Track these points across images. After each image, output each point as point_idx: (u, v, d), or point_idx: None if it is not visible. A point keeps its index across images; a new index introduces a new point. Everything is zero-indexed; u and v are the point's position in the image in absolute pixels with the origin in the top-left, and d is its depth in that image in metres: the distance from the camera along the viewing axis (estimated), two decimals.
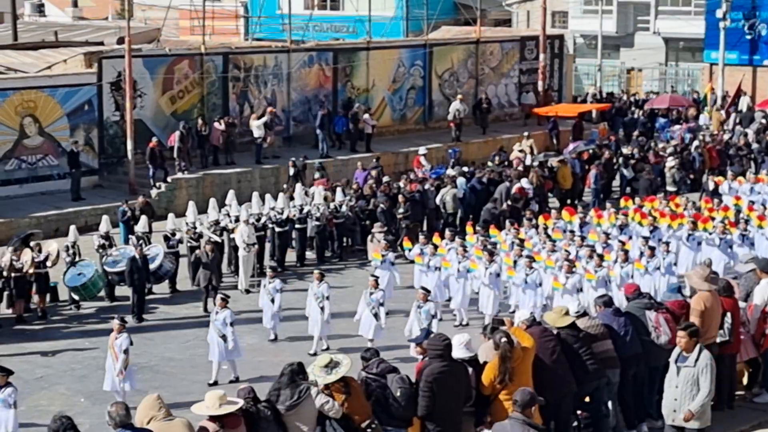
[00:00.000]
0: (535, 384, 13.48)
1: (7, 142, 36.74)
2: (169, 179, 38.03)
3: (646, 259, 26.06)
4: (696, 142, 43.13)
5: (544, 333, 14.17)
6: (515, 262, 25.91)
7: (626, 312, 15.48)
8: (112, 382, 21.06)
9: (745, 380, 17.39)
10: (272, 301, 24.77)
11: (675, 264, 26.94)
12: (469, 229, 30.06)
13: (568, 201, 38.83)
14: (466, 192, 35.47)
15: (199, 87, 41.36)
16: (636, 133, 45.98)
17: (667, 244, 27.02)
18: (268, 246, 31.21)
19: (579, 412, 14.81)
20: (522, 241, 27.67)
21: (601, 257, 25.31)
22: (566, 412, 14.31)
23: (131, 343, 21.04)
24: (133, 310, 26.61)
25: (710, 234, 28.47)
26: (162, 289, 28.87)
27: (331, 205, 32.49)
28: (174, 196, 37.56)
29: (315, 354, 23.21)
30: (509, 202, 34.09)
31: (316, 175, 37.03)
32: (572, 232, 28.86)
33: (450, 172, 37.34)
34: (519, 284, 25.31)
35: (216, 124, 39.80)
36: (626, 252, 25.99)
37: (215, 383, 21.83)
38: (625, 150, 42.45)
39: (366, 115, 43.56)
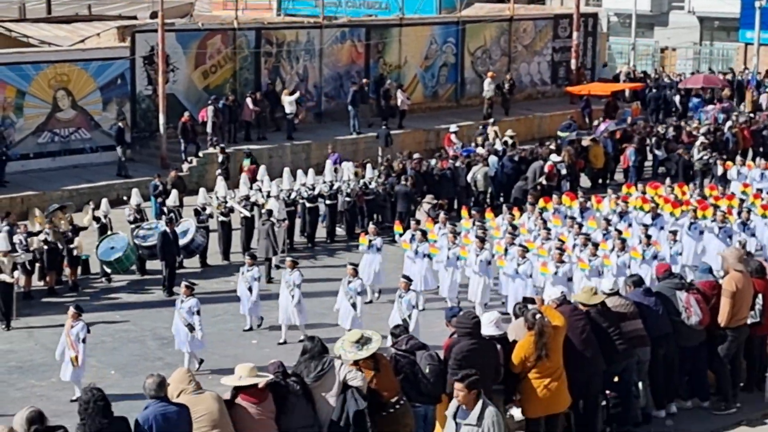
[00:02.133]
0: (564, 363, 13.49)
1: (40, 115, 36.90)
2: (200, 154, 38.12)
3: (642, 248, 25.39)
4: (729, 123, 42.83)
5: (574, 312, 14.15)
6: (506, 250, 25.25)
7: (657, 292, 15.41)
8: (69, 371, 20.49)
9: None
10: (250, 290, 24.15)
11: (680, 254, 26.28)
12: (464, 213, 29.61)
13: (600, 180, 38.78)
14: (497, 170, 35.41)
15: (231, 62, 41.40)
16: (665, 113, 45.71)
17: (674, 233, 26.52)
18: (298, 221, 31.26)
19: (608, 391, 14.79)
20: (515, 227, 27.07)
21: (596, 246, 24.81)
22: (595, 391, 14.29)
23: (88, 332, 20.67)
24: (164, 284, 26.75)
25: (711, 222, 27.77)
26: (193, 263, 28.97)
27: (361, 182, 32.49)
28: (205, 170, 37.64)
29: (284, 342, 23.18)
30: (542, 181, 34.01)
31: (245, 162, 35.80)
32: (572, 218, 28.16)
33: (480, 150, 37.26)
34: (510, 274, 24.62)
35: (248, 100, 39.84)
36: (623, 241, 25.35)
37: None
38: (660, 129, 42.24)
39: (400, 92, 43.48)
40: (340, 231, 31.95)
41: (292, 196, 30.93)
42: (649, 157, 40.28)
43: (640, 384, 15.03)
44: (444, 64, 47.87)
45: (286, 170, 32.43)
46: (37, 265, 27.19)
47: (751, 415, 15.34)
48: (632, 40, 62.22)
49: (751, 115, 46.15)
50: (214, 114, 38.33)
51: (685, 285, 15.63)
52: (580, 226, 26.99)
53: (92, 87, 38.04)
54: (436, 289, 25.88)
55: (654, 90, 50.89)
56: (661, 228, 27.61)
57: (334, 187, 31.67)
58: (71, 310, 20.79)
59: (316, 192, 31.37)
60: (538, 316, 13.26)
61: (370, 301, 25.67)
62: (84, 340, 20.44)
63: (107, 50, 38.84)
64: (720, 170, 35.68)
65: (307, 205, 31.10)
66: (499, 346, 13.30)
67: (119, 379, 21.32)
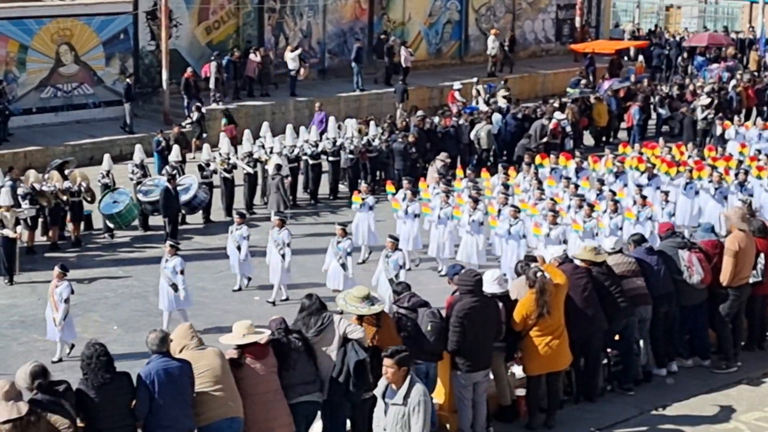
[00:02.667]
0: (566, 321, 13.53)
1: (42, 70, 36.79)
2: (203, 110, 38.01)
3: (637, 208, 25.17)
4: (733, 81, 42.69)
5: (575, 270, 14.18)
6: (500, 211, 24.83)
7: (659, 250, 15.43)
8: (53, 331, 20.36)
9: None
10: (239, 248, 23.68)
11: (673, 214, 25.93)
12: (459, 172, 29.29)
13: (603, 138, 38.71)
14: (500, 128, 35.35)
15: (234, 18, 41.24)
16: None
17: (666, 193, 26.25)
18: (301, 178, 31.24)
19: (609, 349, 14.84)
20: (507, 187, 26.65)
21: (591, 207, 24.42)
22: (596, 349, 14.35)
23: (72, 292, 20.50)
24: (165, 240, 26.71)
25: (708, 182, 27.43)
26: (196, 219, 28.99)
27: (365, 139, 32.44)
28: (208, 127, 37.56)
29: (274, 303, 22.83)
30: (545, 141, 33.97)
31: (223, 121, 35.44)
32: (567, 178, 27.63)
33: (483, 107, 37.18)
34: (502, 235, 24.16)
35: (251, 56, 39.71)
36: (616, 202, 24.92)
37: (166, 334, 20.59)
38: (664, 88, 42.14)
39: (403, 48, 43.34)
40: (342, 188, 31.92)
41: (295, 153, 30.89)
42: (654, 115, 40.21)
43: (641, 342, 15.08)
44: (448, 21, 47.66)
45: (289, 127, 32.35)
46: (40, 220, 27.19)
47: (752, 374, 15.40)
48: None
49: (756, 73, 46.00)
50: (217, 70, 38.22)
51: (687, 244, 15.64)
52: (576, 186, 26.69)
53: (95, 42, 37.90)
54: (426, 249, 25.41)
55: (656, 48, 50.73)
56: (657, 188, 27.30)
57: (337, 144, 31.62)
58: (56, 269, 20.61)
59: (319, 149, 31.32)
60: (539, 274, 13.29)
61: (363, 261, 25.39)
62: (66, 300, 20.21)
63: (110, 5, 38.60)
64: (719, 130, 35.43)
65: (310, 161, 31.07)
66: (500, 304, 13.33)
67: (122, 334, 21.36)
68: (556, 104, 37.48)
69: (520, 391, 14.01)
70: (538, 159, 30.05)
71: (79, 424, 10.35)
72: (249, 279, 24.27)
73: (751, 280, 15.78)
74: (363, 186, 27.20)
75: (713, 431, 13.80)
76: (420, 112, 35.24)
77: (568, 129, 35.56)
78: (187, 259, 23.74)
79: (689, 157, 30.35)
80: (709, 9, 63.63)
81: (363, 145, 32.12)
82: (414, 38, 46.29)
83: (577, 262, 14.52)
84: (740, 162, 29.64)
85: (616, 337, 14.79)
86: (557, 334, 13.44)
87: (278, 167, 28.87)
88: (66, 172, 27.97)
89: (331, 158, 31.29)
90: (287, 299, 22.93)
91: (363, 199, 26.07)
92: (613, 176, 28.63)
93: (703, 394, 14.83)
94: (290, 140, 31.25)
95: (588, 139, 38.25)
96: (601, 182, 27.29)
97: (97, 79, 37.90)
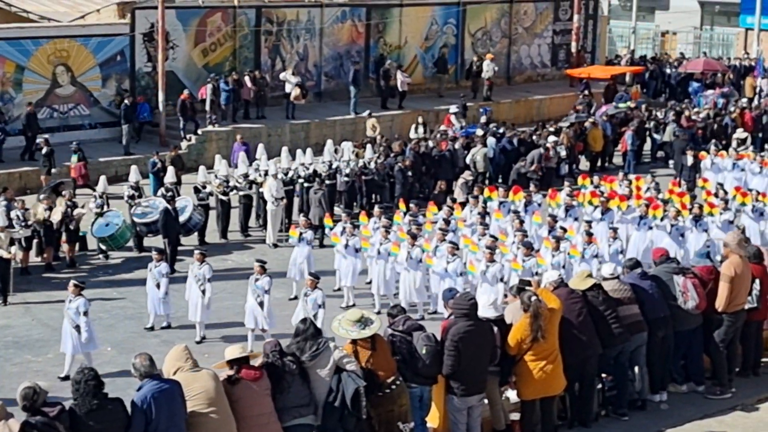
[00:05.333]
0: (560, 345, 13.52)
1: (39, 91, 36.83)
2: (199, 131, 38.09)
3: (582, 246, 24.42)
4: (731, 107, 42.80)
5: (570, 295, 14.16)
6: (436, 247, 23.94)
7: (653, 275, 15.43)
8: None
9: None
10: (158, 286, 22.76)
11: (622, 252, 25.08)
12: (401, 206, 28.51)
13: (599, 163, 38.80)
14: (496, 152, 35.44)
15: (231, 40, 41.31)
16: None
17: (615, 230, 25.61)
18: (296, 201, 31.26)
19: (603, 375, 14.82)
20: (448, 222, 25.71)
21: (529, 246, 23.57)
22: (591, 374, 14.33)
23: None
24: (166, 261, 26.57)
25: (661, 221, 26.62)
26: (190, 241, 28.97)
27: (361, 162, 32.49)
28: (204, 148, 37.62)
29: (201, 341, 22.12)
30: (540, 164, 34.10)
31: (73, 158, 33.43)
32: (516, 212, 27.04)
33: (479, 131, 37.30)
34: (439, 273, 23.41)
35: (246, 79, 39.75)
36: (557, 240, 24.12)
37: (66, 377, 19.49)
38: (659, 114, 42.23)
39: (400, 72, 43.42)
40: (338, 210, 31.92)
41: (290, 175, 30.90)
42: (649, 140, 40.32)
43: (636, 369, 15.05)
44: (444, 45, 47.76)
45: (285, 149, 32.41)
46: (35, 241, 27.17)
47: (746, 400, 15.37)
48: (633, 24, 62.13)
49: (750, 100, 46.09)
50: (213, 92, 38.27)
51: (682, 269, 15.64)
52: (521, 222, 26.07)
53: (92, 63, 37.96)
54: (368, 284, 24.86)
55: (656, 71, 50.98)
56: (611, 223, 26.68)
57: (333, 167, 31.65)
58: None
59: (310, 171, 31.31)
60: (533, 298, 13.28)
61: (296, 297, 24.04)
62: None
63: (107, 26, 38.71)
64: (690, 160, 34.67)
65: (305, 184, 31.09)
66: (495, 328, 13.32)
67: (115, 356, 21.33)
68: (552, 128, 37.63)
69: (515, 416, 13.97)
70: (486, 192, 29.46)
71: None
72: (169, 324, 23.32)
73: (746, 306, 15.78)
74: (302, 220, 26.30)
75: None
76: (414, 135, 35.39)
77: (563, 154, 35.66)
78: (181, 281, 23.74)
79: (647, 190, 29.73)
80: (705, 35, 63.82)
81: (359, 168, 32.16)
82: (410, 62, 46.37)
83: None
84: (694, 197, 29.19)
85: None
86: (552, 358, 13.43)
87: (321, 181, 29.30)
88: (63, 193, 28.00)
89: (327, 181, 31.23)
90: (202, 339, 22.24)
91: (301, 233, 25.25)
92: (563, 211, 27.85)
93: (698, 419, 14.80)
94: (285, 163, 31.28)
95: (584, 164, 38.35)
96: (553, 218, 26.65)
97: (93, 100, 37.94)
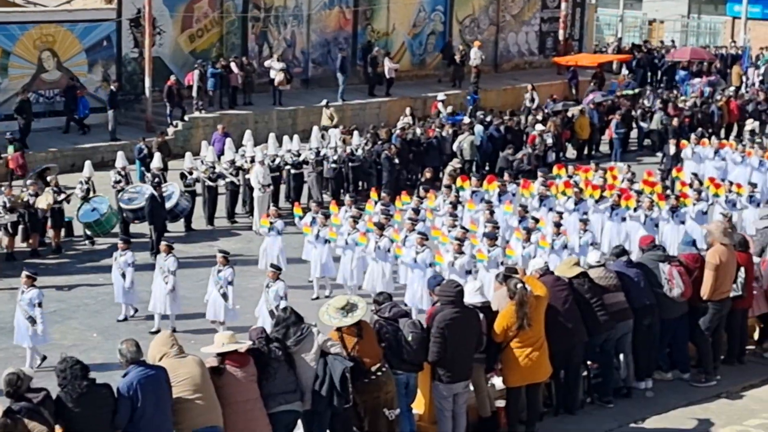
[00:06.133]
0: (546, 333, 13.54)
1: (25, 76, 36.70)
2: (186, 118, 38.02)
3: (551, 237, 24.02)
4: (717, 96, 42.88)
5: (557, 282, 14.18)
6: (405, 238, 23.51)
7: (639, 263, 15.46)
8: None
9: (756, 335, 17.40)
10: (123, 276, 22.61)
11: (592, 244, 24.42)
12: (373, 195, 27.95)
13: (586, 151, 38.84)
14: (483, 139, 35.44)
15: (218, 26, 41.23)
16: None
17: (585, 222, 25.11)
18: (283, 188, 31.23)
19: (589, 362, 14.85)
20: (418, 212, 25.30)
21: (493, 238, 23.02)
22: (576, 361, 14.35)
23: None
24: (151, 248, 26.59)
25: (634, 211, 26.38)
26: (177, 227, 28.92)
27: (348, 149, 32.45)
28: (191, 134, 37.55)
29: (157, 331, 21.04)
30: (529, 151, 34.16)
31: (9, 149, 32.48)
32: (488, 202, 26.44)
33: (466, 120, 37.30)
34: (408, 263, 22.90)
35: (233, 65, 39.65)
36: (528, 231, 23.86)
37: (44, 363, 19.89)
38: (646, 102, 42.31)
39: (387, 59, 43.38)
40: (325, 197, 31.92)
41: (276, 162, 30.87)
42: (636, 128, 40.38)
43: (621, 356, 15.09)
44: (432, 32, 47.72)
45: (272, 136, 32.38)
46: (21, 226, 27.09)
47: (731, 387, 15.42)
48: (620, 12, 62.14)
49: (737, 88, 46.18)
50: (199, 78, 38.18)
51: (668, 257, 15.67)
52: (492, 212, 25.58)
53: (78, 48, 37.84)
54: (335, 276, 24.50)
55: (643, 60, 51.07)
56: (585, 214, 26.38)
57: (321, 154, 31.62)
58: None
59: (301, 158, 31.33)
60: (519, 286, 13.28)
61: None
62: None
63: (93, 12, 38.60)
64: (672, 149, 34.51)
65: (292, 171, 31.07)
66: (481, 315, 13.33)
67: (101, 342, 21.31)
68: (540, 116, 37.66)
69: (500, 403, 13.99)
70: (459, 182, 29.04)
71: (58, 431, 10.30)
72: (135, 309, 23.14)
73: (731, 294, 15.82)
74: (272, 210, 26.06)
75: None
76: (401, 123, 35.38)
77: (550, 142, 35.69)
78: None
79: (622, 181, 29.36)
80: (692, 24, 63.88)
81: (346, 155, 32.13)
82: (398, 49, 46.32)
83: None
84: (666, 188, 28.81)
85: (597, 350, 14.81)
86: (537, 346, 13.44)
87: (316, 163, 29.21)
88: (48, 179, 27.95)
89: (312, 168, 31.21)
90: (175, 330, 21.05)
91: (271, 223, 25.03)
92: (537, 201, 27.55)
93: (682, 407, 14.84)
94: (272, 149, 31.25)
95: (571, 152, 38.39)
96: (524, 208, 26.30)
97: (79, 86, 37.79)
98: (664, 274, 15.21)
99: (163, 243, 22.74)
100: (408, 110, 38.66)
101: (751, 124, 39.10)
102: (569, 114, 38.72)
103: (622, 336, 14.81)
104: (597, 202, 27.21)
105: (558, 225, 24.39)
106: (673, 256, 15.99)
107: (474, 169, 34.44)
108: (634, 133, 40.36)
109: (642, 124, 39.87)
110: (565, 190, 27.93)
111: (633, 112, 40.28)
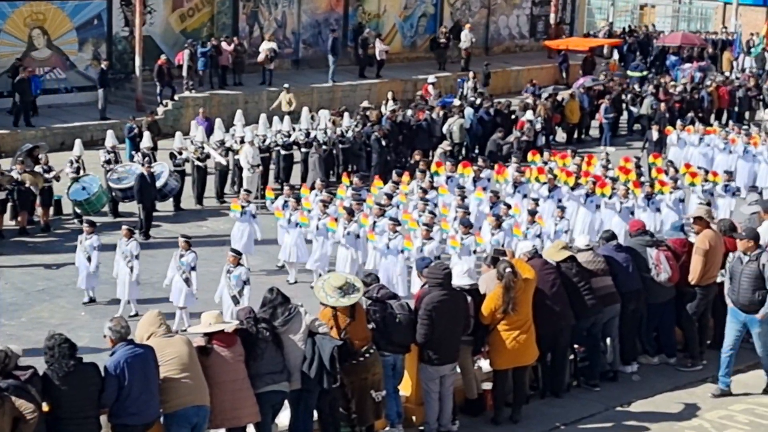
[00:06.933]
0: (534, 316, 13.57)
1: (14, 54, 36.56)
2: (176, 97, 37.94)
3: (526, 225, 23.73)
4: (707, 81, 42.92)
5: (545, 266, 14.21)
6: (374, 223, 23.22)
7: (627, 247, 15.50)
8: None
9: None
10: (89, 259, 22.36)
11: (566, 231, 24.29)
12: (345, 180, 27.56)
13: (575, 135, 38.86)
14: (473, 122, 35.42)
15: (209, 6, 41.11)
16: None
17: (563, 209, 24.92)
18: (273, 168, 31.20)
19: (576, 346, 14.90)
20: (390, 197, 24.94)
21: (468, 225, 22.78)
22: (563, 344, 14.39)
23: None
24: (140, 227, 26.51)
25: (609, 199, 26.01)
26: (166, 207, 28.88)
27: (338, 130, 32.42)
28: (180, 114, 37.48)
29: (135, 316, 20.88)
30: (518, 135, 34.14)
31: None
32: (461, 188, 25.97)
33: (456, 101, 37.26)
34: (380, 249, 22.60)
35: (224, 45, 39.56)
36: (498, 218, 23.64)
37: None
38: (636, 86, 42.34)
39: (378, 41, 43.31)
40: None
41: (267, 143, 30.83)
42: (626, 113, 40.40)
43: (608, 340, 15.13)
44: (423, 14, 47.66)
45: (262, 116, 32.33)
46: (9, 204, 27.03)
47: (717, 372, 15.45)
48: None
49: (727, 74, 46.22)
50: (190, 58, 38.08)
51: (655, 242, 15.70)
52: (463, 198, 25.12)
53: (68, 27, 37.72)
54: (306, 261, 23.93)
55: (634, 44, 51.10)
56: (559, 200, 26.10)
57: (311, 135, 31.58)
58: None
59: (291, 139, 31.29)
60: (508, 270, 13.28)
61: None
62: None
63: None
64: (655, 135, 34.49)
65: (282, 152, 31.04)
66: (469, 298, 13.35)
67: (89, 321, 21.29)
68: (529, 100, 37.65)
69: (487, 385, 14.02)
70: (433, 167, 28.70)
71: (45, 408, 10.31)
72: (92, 298, 22.86)
73: (718, 279, 15.85)
74: (242, 194, 25.46)
75: (677, 428, 13.86)
76: (390, 104, 35.34)
77: (539, 126, 35.69)
78: (156, 247, 23.70)
79: (597, 168, 29.04)
80: (683, 9, 63.89)
81: (336, 136, 32.10)
82: (389, 31, 46.25)
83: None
84: (640, 174, 28.50)
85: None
86: (525, 328, 13.47)
87: (318, 144, 29.26)
88: (40, 156, 27.88)
89: (303, 149, 31.21)
90: (136, 315, 20.85)
91: (243, 207, 24.54)
92: (511, 187, 27.27)
93: (668, 391, 14.89)
94: (262, 130, 31.22)
95: (560, 136, 38.42)
96: (495, 194, 26.05)
97: (69, 64, 37.72)
98: (652, 258, 15.26)
99: (124, 228, 22.33)
100: (390, 94, 38.38)
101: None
102: (559, 98, 38.69)
103: (609, 320, 14.86)
104: (572, 189, 26.94)
105: (533, 213, 24.17)
106: (661, 240, 16.01)
107: (464, 152, 34.45)
108: (623, 118, 40.40)
109: (632, 108, 39.90)
110: (539, 176, 27.63)
111: (623, 96, 40.27)
